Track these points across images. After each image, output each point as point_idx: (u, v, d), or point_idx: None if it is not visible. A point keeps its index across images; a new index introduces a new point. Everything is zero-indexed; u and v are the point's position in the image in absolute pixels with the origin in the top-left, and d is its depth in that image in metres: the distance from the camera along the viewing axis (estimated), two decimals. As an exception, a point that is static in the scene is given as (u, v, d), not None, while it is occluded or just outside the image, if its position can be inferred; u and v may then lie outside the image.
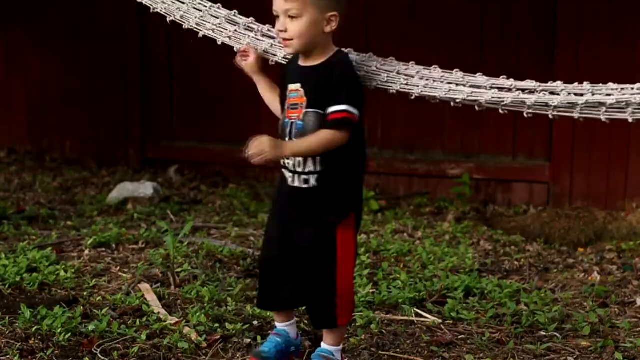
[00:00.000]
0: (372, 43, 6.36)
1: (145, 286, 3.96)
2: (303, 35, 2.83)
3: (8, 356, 3.14)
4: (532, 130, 6.09)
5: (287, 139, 2.89)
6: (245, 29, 3.25)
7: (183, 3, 3.33)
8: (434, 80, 2.97)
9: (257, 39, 3.20)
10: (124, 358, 3.19)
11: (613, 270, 4.62)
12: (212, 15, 3.30)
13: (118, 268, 4.29)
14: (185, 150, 6.91)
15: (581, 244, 5.28)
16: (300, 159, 2.88)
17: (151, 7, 3.34)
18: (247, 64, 3.12)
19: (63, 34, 7.30)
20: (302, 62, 2.94)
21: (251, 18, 3.28)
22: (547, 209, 5.89)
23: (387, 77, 3.00)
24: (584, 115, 2.74)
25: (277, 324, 3.17)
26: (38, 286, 3.91)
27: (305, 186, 2.90)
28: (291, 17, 2.83)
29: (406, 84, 2.97)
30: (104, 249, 4.63)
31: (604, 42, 5.75)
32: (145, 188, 5.86)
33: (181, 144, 6.98)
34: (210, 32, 3.24)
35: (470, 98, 2.87)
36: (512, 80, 2.89)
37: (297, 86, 2.90)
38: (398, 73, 3.01)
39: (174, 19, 3.30)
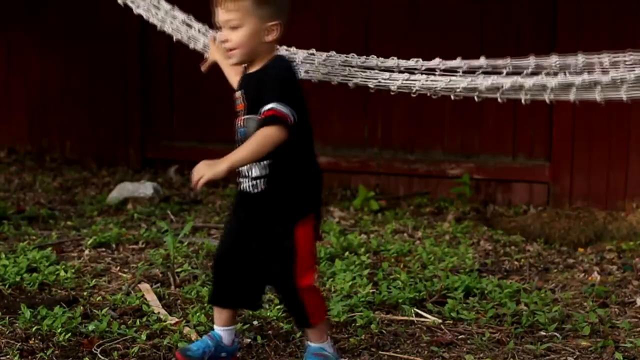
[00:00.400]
0: (372, 43, 6.36)
1: (145, 286, 3.96)
2: (244, 44, 2.86)
3: (8, 356, 3.14)
4: (532, 130, 6.10)
5: (238, 144, 2.92)
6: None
7: (159, 9, 3.39)
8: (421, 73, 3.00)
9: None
10: (124, 358, 3.19)
11: (613, 270, 4.62)
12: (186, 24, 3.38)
13: (118, 268, 4.29)
14: (185, 150, 6.91)
15: (581, 244, 5.28)
16: (251, 164, 2.90)
17: (133, 9, 3.40)
18: (210, 50, 3.22)
19: (63, 34, 7.30)
20: (248, 70, 2.98)
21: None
22: (547, 209, 5.89)
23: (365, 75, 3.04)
24: (579, 98, 2.73)
25: (215, 325, 3.14)
26: (38, 286, 3.91)
27: (255, 191, 2.92)
28: (232, 28, 2.86)
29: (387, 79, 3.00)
30: (104, 249, 4.63)
31: (604, 42, 5.72)
32: (145, 188, 5.86)
33: (181, 144, 6.99)
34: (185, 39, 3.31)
35: (470, 87, 2.88)
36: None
37: (239, 93, 2.97)
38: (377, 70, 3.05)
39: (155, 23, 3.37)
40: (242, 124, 2.92)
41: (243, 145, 2.81)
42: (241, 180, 2.97)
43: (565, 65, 2.80)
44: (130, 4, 3.49)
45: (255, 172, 2.92)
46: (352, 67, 3.13)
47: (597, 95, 2.68)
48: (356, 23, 6.44)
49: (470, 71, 2.94)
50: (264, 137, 2.77)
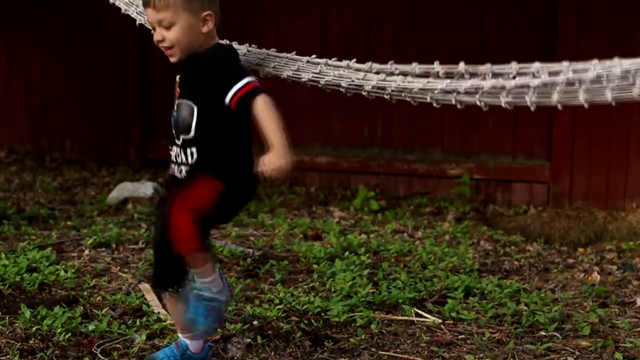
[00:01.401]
0: (372, 43, 6.37)
1: (145, 286, 3.96)
2: (181, 41, 2.82)
3: (8, 356, 3.14)
4: (532, 130, 6.10)
5: (173, 131, 2.95)
6: None
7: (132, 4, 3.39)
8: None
9: None
10: (124, 358, 3.19)
11: (613, 270, 4.62)
12: None
13: (118, 268, 4.29)
14: (185, 150, 6.89)
15: (581, 244, 5.28)
16: (177, 149, 2.93)
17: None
18: None
19: (63, 34, 7.30)
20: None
21: None
22: (547, 209, 5.90)
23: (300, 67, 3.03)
24: (564, 102, 2.67)
25: (179, 333, 3.07)
26: (38, 286, 3.91)
27: (179, 176, 2.94)
28: (166, 27, 2.81)
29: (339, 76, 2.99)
30: (104, 249, 4.63)
31: (604, 42, 5.75)
32: (145, 188, 5.86)
33: (181, 144, 6.98)
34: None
35: (448, 89, 2.85)
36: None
37: (177, 78, 2.95)
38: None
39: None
40: (175, 108, 2.90)
41: (269, 125, 2.71)
42: (172, 165, 2.97)
43: (550, 71, 2.76)
44: None
45: (182, 158, 2.93)
46: (325, 65, 3.07)
47: (581, 97, 2.62)
48: (356, 23, 6.45)
49: (450, 75, 2.89)
50: (270, 106, 2.71)
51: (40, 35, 7.40)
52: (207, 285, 2.89)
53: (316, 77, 3.02)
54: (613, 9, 5.76)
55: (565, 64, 2.66)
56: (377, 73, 2.97)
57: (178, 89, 2.94)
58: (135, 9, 3.36)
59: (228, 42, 3.04)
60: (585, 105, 2.65)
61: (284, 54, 3.14)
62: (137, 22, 3.34)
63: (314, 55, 3.09)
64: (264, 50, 3.15)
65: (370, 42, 6.37)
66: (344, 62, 3.05)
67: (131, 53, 6.99)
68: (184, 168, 2.92)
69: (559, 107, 2.69)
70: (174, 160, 2.95)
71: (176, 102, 2.92)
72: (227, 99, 2.75)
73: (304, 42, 6.43)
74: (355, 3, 6.49)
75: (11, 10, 7.47)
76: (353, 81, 2.97)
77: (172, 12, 2.78)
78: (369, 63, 3.00)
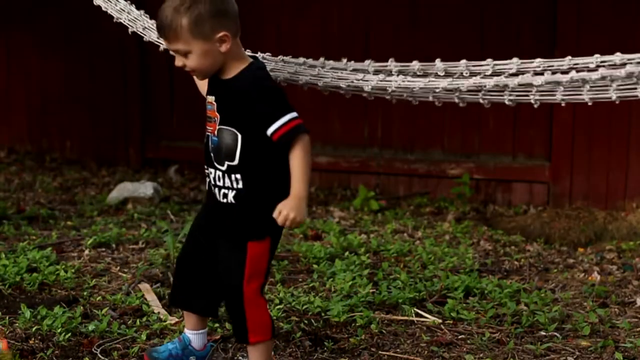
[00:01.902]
0: (372, 43, 6.37)
1: (145, 286, 3.96)
2: (201, 65, 2.78)
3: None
4: (532, 130, 6.10)
5: (206, 148, 2.89)
6: None
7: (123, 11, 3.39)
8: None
9: None
10: (124, 358, 3.19)
11: (613, 270, 4.62)
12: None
13: (118, 268, 4.29)
14: (185, 150, 6.90)
15: (581, 244, 5.28)
16: (220, 173, 2.84)
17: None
18: None
19: (63, 34, 7.30)
20: (218, 74, 2.86)
21: None
22: (547, 209, 5.89)
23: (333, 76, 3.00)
24: (567, 99, 2.67)
25: (185, 328, 3.10)
26: (38, 286, 3.91)
27: (223, 201, 2.85)
28: (183, 55, 2.78)
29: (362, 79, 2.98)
30: (104, 249, 4.63)
31: (603, 42, 5.74)
32: (145, 188, 5.86)
33: (181, 144, 6.98)
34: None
35: (450, 87, 2.85)
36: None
37: (212, 99, 2.87)
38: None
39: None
40: (215, 133, 2.84)
41: (299, 173, 2.72)
42: (212, 187, 2.89)
43: (551, 67, 2.76)
44: None
45: (226, 182, 2.84)
46: (322, 67, 3.07)
47: (585, 96, 2.63)
48: (356, 23, 6.44)
49: (451, 73, 2.88)
50: (306, 153, 2.73)
51: (40, 35, 7.40)
52: None
53: (314, 80, 3.01)
54: (613, 9, 5.76)
55: (567, 58, 2.67)
56: (377, 73, 2.96)
57: (216, 112, 2.84)
58: (142, 25, 3.34)
59: (261, 55, 3.01)
60: (589, 103, 2.65)
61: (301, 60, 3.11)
62: (145, 39, 3.31)
63: (324, 60, 3.07)
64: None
65: (370, 42, 6.37)
66: (343, 62, 3.04)
67: (131, 53, 6.99)
68: (230, 193, 2.83)
69: (562, 104, 2.69)
70: (215, 183, 2.87)
71: (217, 127, 2.83)
72: (269, 132, 2.74)
73: (303, 42, 6.44)
74: (355, 3, 6.49)
75: (11, 10, 7.47)
76: (352, 82, 2.97)
77: (183, 42, 2.74)
78: (369, 61, 3.00)
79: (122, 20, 3.38)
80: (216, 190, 2.86)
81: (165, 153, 7.07)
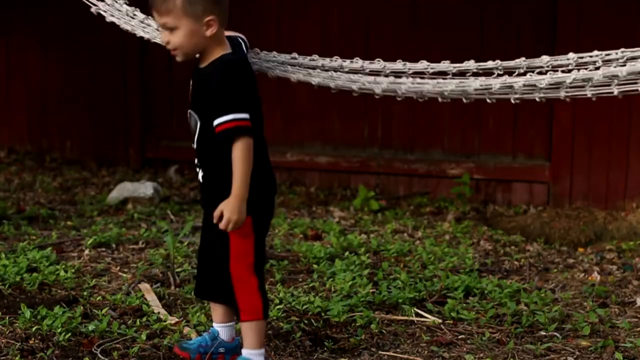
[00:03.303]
0: (372, 43, 6.37)
1: (145, 286, 3.96)
2: (184, 44, 2.87)
3: (8, 356, 3.14)
4: (532, 130, 6.10)
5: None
6: None
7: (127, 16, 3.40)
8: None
9: None
10: (124, 358, 3.19)
11: (613, 270, 4.62)
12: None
13: (118, 268, 4.29)
14: (185, 150, 6.84)
15: (581, 244, 5.28)
16: (196, 153, 2.98)
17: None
18: None
19: (63, 34, 7.30)
20: (200, 61, 2.97)
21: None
22: (547, 209, 5.89)
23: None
24: (570, 95, 2.70)
25: (213, 322, 3.17)
26: (38, 286, 3.91)
27: (199, 178, 3.01)
28: (170, 30, 2.87)
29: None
30: (104, 249, 4.63)
31: (604, 43, 5.72)
32: (145, 188, 5.86)
33: (181, 144, 6.96)
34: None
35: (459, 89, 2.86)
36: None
37: (191, 84, 3.00)
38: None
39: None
40: (188, 114, 2.98)
41: (236, 173, 2.83)
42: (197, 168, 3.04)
43: (557, 65, 2.78)
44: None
45: (196, 161, 2.99)
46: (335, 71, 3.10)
47: (588, 92, 2.65)
48: (356, 23, 6.44)
49: (455, 73, 2.91)
50: (242, 152, 2.82)
51: (40, 35, 7.40)
52: (252, 357, 2.98)
53: (327, 81, 3.04)
54: (613, 9, 5.75)
55: (571, 55, 2.69)
56: (387, 76, 2.98)
57: (190, 98, 3.00)
58: (143, 29, 3.35)
59: (288, 56, 3.08)
60: (593, 99, 2.68)
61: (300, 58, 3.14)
62: (149, 38, 3.33)
63: (334, 59, 3.09)
64: (278, 55, 3.15)
65: (370, 42, 6.37)
66: (359, 64, 3.06)
67: (131, 53, 6.99)
68: (199, 172, 3.01)
69: (568, 100, 2.71)
70: (195, 162, 3.03)
71: (189, 109, 3.00)
72: (214, 124, 2.85)
73: (303, 42, 6.43)
74: (355, 3, 6.48)
75: (11, 10, 7.47)
76: (364, 84, 3.00)
77: (173, 17, 2.83)
78: (383, 63, 3.02)
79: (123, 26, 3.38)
80: (196, 167, 3.03)
81: (165, 153, 7.07)
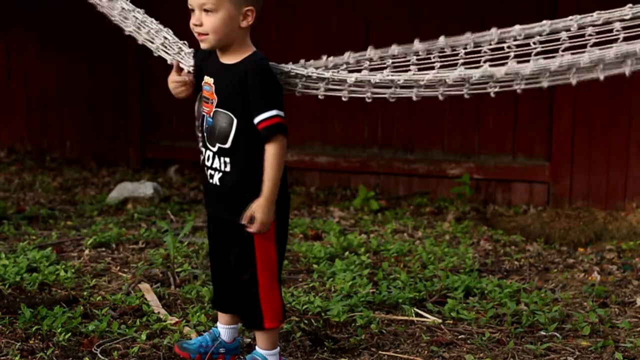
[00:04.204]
0: (372, 41, 6.36)
1: (145, 286, 3.96)
2: (218, 30, 2.79)
3: (8, 356, 3.14)
4: (532, 130, 6.09)
5: (200, 128, 2.95)
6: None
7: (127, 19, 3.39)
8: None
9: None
10: (124, 358, 3.19)
11: (613, 270, 4.62)
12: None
13: (118, 268, 4.29)
14: (185, 150, 6.90)
15: (581, 244, 5.28)
16: (210, 153, 2.89)
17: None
18: (171, 75, 3.16)
19: (63, 34, 7.30)
20: (220, 57, 2.90)
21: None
22: (547, 209, 5.89)
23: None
24: (554, 83, 2.65)
25: (218, 322, 3.17)
26: (38, 286, 3.91)
27: (211, 181, 2.91)
28: (206, 11, 2.78)
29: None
30: (104, 249, 4.63)
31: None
32: (145, 188, 5.86)
33: (181, 144, 6.98)
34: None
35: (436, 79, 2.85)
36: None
37: (211, 81, 2.89)
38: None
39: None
40: (211, 114, 2.88)
41: (270, 172, 2.78)
42: (204, 168, 2.96)
43: (529, 35, 2.73)
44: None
45: (215, 164, 2.90)
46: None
47: (572, 79, 2.60)
48: (356, 20, 6.44)
49: (428, 62, 2.88)
50: (278, 153, 2.79)
51: (40, 35, 7.40)
52: (267, 357, 2.99)
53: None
54: (613, 9, 5.74)
55: (568, 19, 2.64)
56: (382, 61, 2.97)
57: (214, 94, 2.88)
58: (146, 35, 3.35)
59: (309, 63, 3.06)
60: (574, 84, 2.62)
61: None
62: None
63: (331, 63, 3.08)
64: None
65: (370, 42, 6.36)
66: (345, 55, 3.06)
67: (131, 53, 6.98)
68: (216, 175, 2.91)
69: (546, 86, 2.64)
70: (206, 164, 2.93)
71: (213, 108, 2.88)
72: (255, 122, 2.80)
73: (303, 42, 6.43)
74: (355, 3, 6.48)
75: (11, 10, 7.47)
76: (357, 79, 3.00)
77: None
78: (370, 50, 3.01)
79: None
80: (205, 170, 2.93)
81: (165, 153, 7.07)
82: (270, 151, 2.79)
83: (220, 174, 2.88)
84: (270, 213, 2.80)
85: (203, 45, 2.87)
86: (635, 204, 5.71)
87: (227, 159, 2.86)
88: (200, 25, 2.80)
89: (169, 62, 3.16)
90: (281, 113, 2.80)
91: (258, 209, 2.78)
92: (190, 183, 6.62)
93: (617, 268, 4.65)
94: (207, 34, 2.81)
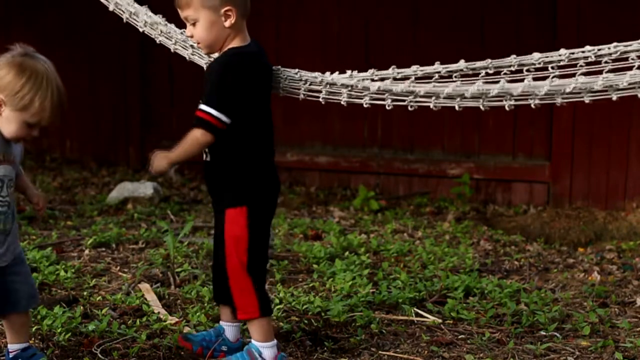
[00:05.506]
0: (372, 42, 6.36)
1: (145, 286, 3.96)
2: (205, 37, 2.94)
3: (8, 356, 3.14)
4: (532, 130, 6.10)
5: None
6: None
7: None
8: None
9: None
10: (124, 358, 3.19)
11: (613, 270, 4.62)
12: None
13: (118, 268, 4.29)
14: (185, 150, 6.89)
15: (581, 244, 5.28)
16: None
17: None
18: None
19: (63, 33, 7.30)
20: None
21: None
22: (547, 208, 5.90)
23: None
24: (567, 100, 2.71)
25: (221, 320, 3.21)
26: (38, 286, 3.91)
27: (205, 159, 3.04)
28: (192, 23, 2.94)
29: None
30: (104, 249, 4.63)
31: (604, 42, 5.73)
32: (145, 188, 5.86)
33: (181, 143, 6.98)
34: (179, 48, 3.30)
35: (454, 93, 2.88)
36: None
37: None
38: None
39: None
40: None
41: (180, 143, 2.91)
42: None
43: (548, 62, 2.79)
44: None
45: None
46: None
47: (585, 98, 2.66)
48: (356, 20, 6.44)
49: (448, 76, 2.95)
50: (191, 139, 2.90)
51: (40, 35, 7.39)
52: (260, 349, 3.01)
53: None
54: (613, 9, 5.75)
55: (562, 51, 2.70)
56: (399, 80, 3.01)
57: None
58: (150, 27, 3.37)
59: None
60: (588, 102, 2.69)
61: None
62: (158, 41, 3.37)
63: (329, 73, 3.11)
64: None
65: (370, 41, 6.36)
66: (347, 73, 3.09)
67: (131, 52, 6.99)
68: (206, 157, 3.05)
69: (564, 104, 2.72)
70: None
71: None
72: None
73: (303, 43, 6.43)
74: (355, 3, 6.48)
75: (11, 9, 7.47)
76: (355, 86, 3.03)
77: (193, 9, 2.91)
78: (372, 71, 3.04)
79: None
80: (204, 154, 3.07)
81: (165, 153, 7.06)
82: (189, 135, 2.90)
83: (207, 156, 3.01)
84: (163, 165, 2.89)
85: (203, 53, 3.08)
86: (635, 204, 5.72)
87: (206, 149, 2.98)
88: (192, 36, 2.98)
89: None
90: (212, 112, 2.87)
91: (156, 156, 2.90)
92: (190, 183, 6.62)
93: (617, 268, 4.65)
94: (199, 42, 2.99)
